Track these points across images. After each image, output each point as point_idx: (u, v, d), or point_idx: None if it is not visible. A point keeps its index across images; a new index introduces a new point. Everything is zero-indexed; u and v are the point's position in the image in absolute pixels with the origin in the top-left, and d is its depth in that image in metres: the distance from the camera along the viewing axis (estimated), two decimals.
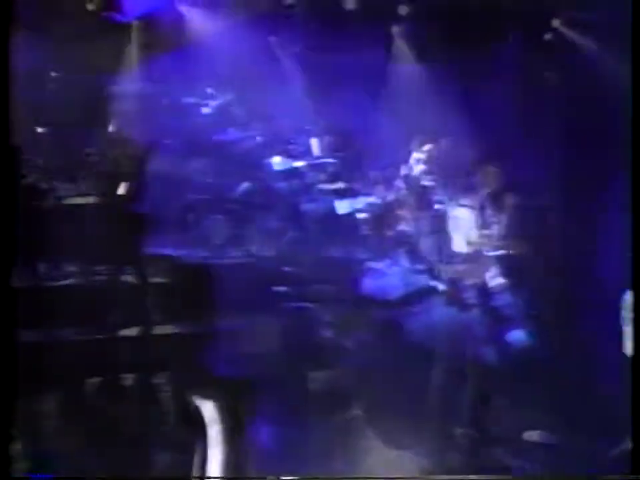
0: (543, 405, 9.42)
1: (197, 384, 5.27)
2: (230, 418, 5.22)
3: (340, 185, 12.26)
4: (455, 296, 11.11)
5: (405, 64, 11.25)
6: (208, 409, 5.14)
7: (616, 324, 8.84)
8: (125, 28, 9.18)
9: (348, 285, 11.47)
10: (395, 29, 11.59)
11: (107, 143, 11.75)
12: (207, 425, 5.11)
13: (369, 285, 11.58)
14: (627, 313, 8.93)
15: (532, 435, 9.16)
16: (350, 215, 12.00)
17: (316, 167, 12.51)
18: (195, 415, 5.12)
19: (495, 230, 10.51)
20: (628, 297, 8.87)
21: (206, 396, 5.18)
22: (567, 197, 10.50)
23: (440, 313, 11.03)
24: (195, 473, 5.03)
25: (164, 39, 9.20)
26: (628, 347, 8.87)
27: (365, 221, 11.91)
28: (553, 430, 9.14)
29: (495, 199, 10.69)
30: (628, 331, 8.91)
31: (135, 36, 9.95)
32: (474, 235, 10.63)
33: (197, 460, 5.03)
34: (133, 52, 10.33)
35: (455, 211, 10.91)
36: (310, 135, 12.68)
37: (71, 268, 10.24)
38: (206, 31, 9.95)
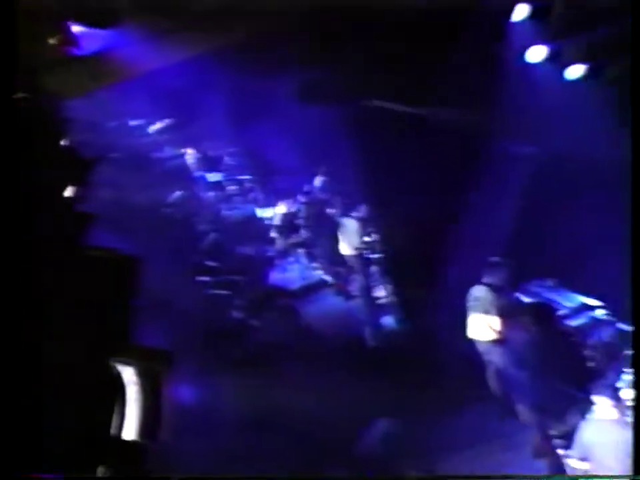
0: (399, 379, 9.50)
1: (120, 353, 5.35)
2: (148, 381, 4.88)
3: (254, 197, 12.84)
4: (341, 288, 11.96)
5: (313, 105, 11.36)
6: (128, 373, 4.82)
7: (463, 313, 9.53)
8: (82, 60, 9.50)
9: (257, 277, 12.00)
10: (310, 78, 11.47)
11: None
12: (126, 387, 4.82)
13: (274, 277, 12.17)
14: (471, 304, 9.62)
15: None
16: (261, 221, 12.54)
17: (235, 182, 13.07)
18: (116, 379, 4.80)
19: (374, 237, 11.27)
20: (474, 291, 9.54)
21: (128, 363, 4.83)
22: (428, 208, 10.43)
23: (329, 301, 11.88)
24: (114, 431, 4.68)
25: (115, 71, 9.03)
26: (471, 332, 9.60)
27: (273, 226, 12.39)
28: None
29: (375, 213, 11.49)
30: (472, 319, 9.59)
31: (90, 67, 10.37)
32: (357, 240, 11.25)
33: (115, 419, 4.71)
34: (88, 81, 10.74)
35: (344, 221, 11.46)
36: (231, 155, 13.15)
37: None
38: (150, 66, 9.76)
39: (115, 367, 4.81)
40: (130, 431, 4.72)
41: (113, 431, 4.69)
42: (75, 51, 7.56)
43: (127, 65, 9.16)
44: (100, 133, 11.90)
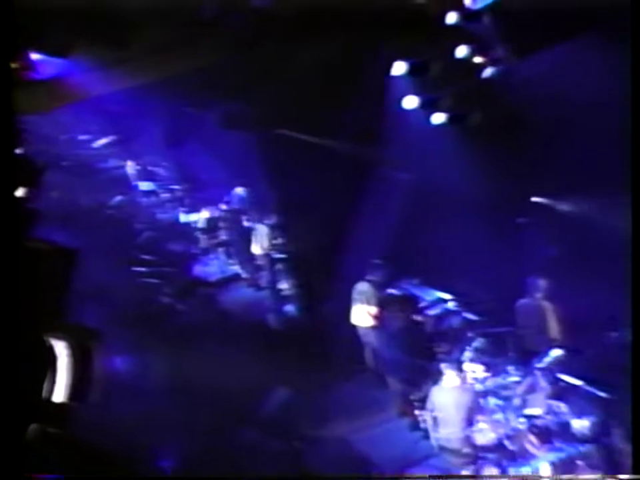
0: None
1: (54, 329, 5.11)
2: (77, 353, 4.92)
3: (183, 204, 12.97)
4: (253, 281, 12.21)
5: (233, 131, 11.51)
6: (60, 347, 4.85)
7: (349, 304, 9.91)
8: (39, 83, 9.14)
9: (183, 269, 12.19)
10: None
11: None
12: (57, 358, 4.86)
13: (197, 270, 12.42)
14: (355, 296, 9.96)
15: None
16: (188, 224, 12.73)
17: (167, 190, 13.22)
18: (49, 351, 4.87)
19: (280, 240, 11.51)
20: (358, 286, 9.94)
21: (60, 337, 4.88)
22: (326, 218, 10.87)
23: (242, 291, 12.18)
24: (45, 394, 4.68)
25: (67, 94, 8.93)
26: (354, 319, 9.92)
27: (197, 228, 12.64)
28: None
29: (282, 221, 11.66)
30: (355, 309, 9.93)
31: (46, 90, 10.10)
32: (267, 243, 11.56)
33: (47, 385, 4.74)
34: (44, 101, 10.55)
35: (256, 227, 11.74)
36: (165, 169, 13.38)
37: None
38: (98, 91, 9.65)
39: (48, 341, 4.84)
40: (60, 394, 4.73)
41: (44, 394, 4.69)
42: (34, 75, 7.50)
43: (78, 89, 9.12)
44: (53, 145, 11.88)
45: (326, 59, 9.41)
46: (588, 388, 7.87)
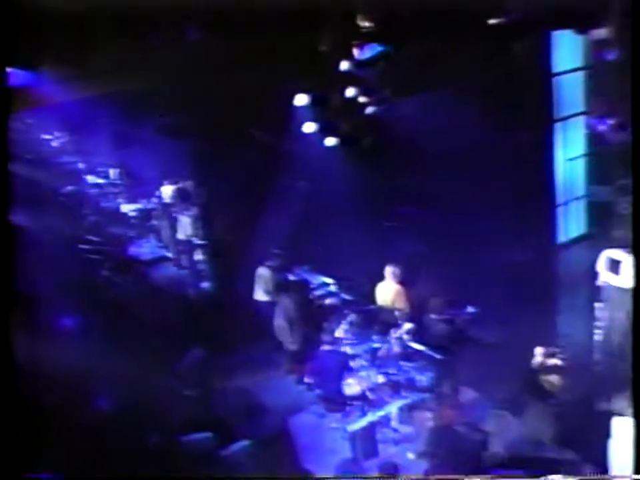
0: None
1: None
2: None
3: (123, 196, 12.95)
4: (177, 261, 12.29)
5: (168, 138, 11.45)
6: None
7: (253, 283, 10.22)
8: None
9: (121, 249, 12.19)
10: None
11: None
12: None
13: (133, 251, 12.49)
14: (257, 279, 10.08)
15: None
16: (126, 212, 12.83)
17: (111, 185, 13.16)
18: None
19: (201, 229, 11.57)
20: (259, 270, 10.06)
21: None
22: (239, 213, 11.06)
23: (169, 270, 12.24)
24: None
25: (33, 99, 8.83)
26: (257, 295, 10.10)
27: (134, 217, 12.74)
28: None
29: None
30: (257, 288, 10.13)
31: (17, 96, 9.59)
32: (189, 230, 11.65)
33: None
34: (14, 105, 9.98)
35: (181, 217, 11.82)
36: (109, 166, 13.23)
37: None
38: (59, 99, 9.58)
39: None
40: None
41: None
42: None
43: (42, 96, 9.12)
44: (20, 141, 11.15)
45: (245, 89, 9.64)
46: (428, 352, 8.42)
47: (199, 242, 11.55)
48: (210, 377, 8.72)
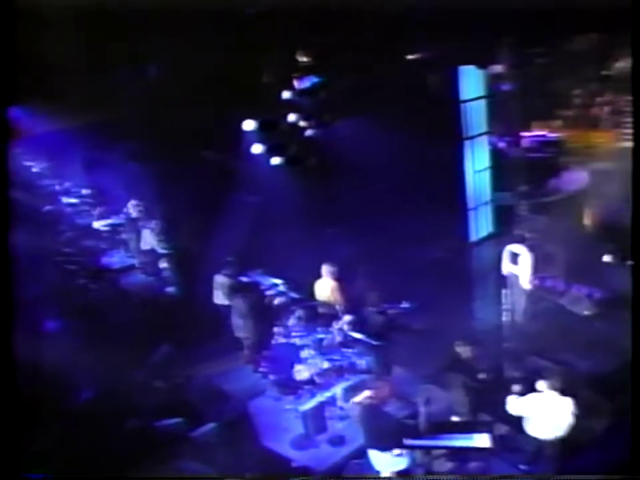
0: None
1: None
2: None
3: (95, 213, 12.37)
4: (144, 268, 11.79)
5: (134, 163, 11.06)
6: None
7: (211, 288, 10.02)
8: None
9: (94, 259, 11.82)
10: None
11: None
12: None
13: (104, 260, 12.02)
14: (215, 284, 9.91)
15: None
16: (98, 228, 12.24)
17: (85, 203, 12.57)
18: None
19: (163, 240, 11.19)
20: (216, 278, 9.91)
21: None
22: (197, 225, 10.72)
23: (137, 277, 11.75)
24: None
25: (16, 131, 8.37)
26: (216, 299, 9.92)
27: (105, 231, 12.22)
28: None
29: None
30: (216, 293, 9.92)
31: None
32: (153, 242, 11.27)
33: None
34: None
35: (145, 230, 11.43)
36: (83, 187, 12.66)
37: None
38: (39, 130, 9.56)
39: None
40: None
41: None
42: None
43: (24, 128, 9.05)
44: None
45: (200, 117, 9.52)
46: (366, 339, 8.42)
47: (163, 251, 11.22)
48: (178, 370, 8.64)
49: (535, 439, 6.87)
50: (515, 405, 6.91)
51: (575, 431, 6.62)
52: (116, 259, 12.22)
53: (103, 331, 9.02)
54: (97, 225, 12.34)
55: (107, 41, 8.11)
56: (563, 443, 6.71)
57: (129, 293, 11.19)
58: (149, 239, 11.45)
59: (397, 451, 6.67)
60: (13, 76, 5.45)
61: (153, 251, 11.41)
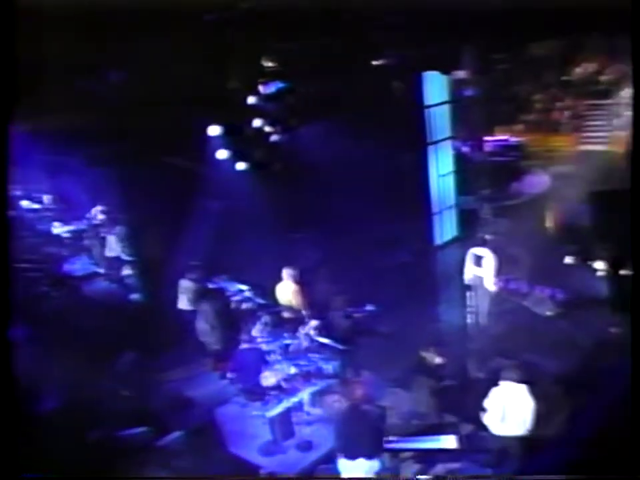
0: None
1: None
2: None
3: (58, 218, 12.19)
4: (108, 276, 11.65)
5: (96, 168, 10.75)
6: None
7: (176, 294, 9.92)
8: None
9: (56, 266, 11.61)
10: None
11: None
12: None
13: (67, 267, 11.79)
14: (180, 289, 9.84)
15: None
16: (60, 234, 12.11)
17: (47, 210, 12.37)
18: None
19: (127, 247, 11.12)
20: (181, 282, 9.84)
21: None
22: (161, 230, 10.37)
23: (100, 284, 11.56)
24: None
25: None
26: (180, 304, 9.85)
27: (67, 237, 12.07)
28: None
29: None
30: (181, 298, 9.85)
31: None
32: (117, 248, 11.22)
33: None
34: None
35: (109, 236, 11.33)
36: (46, 193, 12.46)
37: None
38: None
39: None
40: None
41: None
42: None
43: None
44: None
45: (165, 122, 9.32)
46: (332, 344, 8.49)
47: (127, 258, 11.15)
48: (143, 377, 8.46)
49: (500, 438, 6.91)
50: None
51: (537, 428, 6.69)
52: (78, 266, 12.01)
53: (66, 338, 8.81)
54: (59, 231, 12.18)
55: (69, 46, 7.85)
56: (526, 441, 6.78)
57: (92, 300, 10.97)
58: (114, 246, 11.33)
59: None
60: None
61: (117, 257, 11.29)
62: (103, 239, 11.60)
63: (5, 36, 5.19)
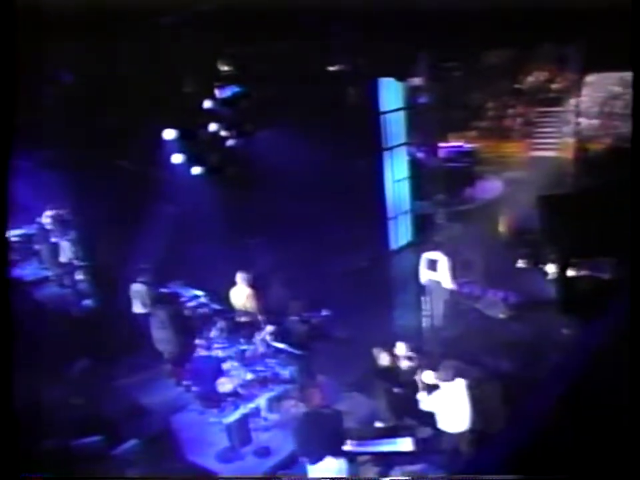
0: None
1: None
2: None
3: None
4: (59, 281, 11.43)
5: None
6: None
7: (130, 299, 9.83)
8: None
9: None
10: None
11: None
12: None
13: (17, 273, 11.15)
14: (132, 294, 9.70)
15: None
16: (9, 239, 10.90)
17: None
18: None
19: (79, 252, 10.98)
20: (133, 286, 9.68)
21: None
22: (116, 235, 10.12)
23: (52, 289, 11.34)
24: None
25: None
26: (135, 309, 9.70)
27: (17, 242, 11.47)
28: None
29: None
30: (135, 303, 9.74)
31: None
32: (69, 253, 11.04)
33: None
34: None
35: (61, 241, 11.18)
36: None
37: None
38: None
39: None
40: None
41: None
42: None
43: None
44: None
45: (120, 125, 9.19)
46: (289, 349, 8.56)
47: (79, 263, 10.95)
48: (97, 385, 8.29)
49: (450, 435, 7.05)
50: (425, 402, 7.14)
51: (484, 427, 6.83)
52: (28, 271, 11.73)
53: (16, 345, 8.47)
54: (10, 235, 11.33)
55: (21, 45, 7.79)
56: (474, 441, 6.90)
57: (44, 306, 10.69)
58: (64, 251, 11.15)
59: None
60: None
61: (69, 262, 11.10)
62: (54, 243, 11.40)
63: None
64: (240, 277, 9.29)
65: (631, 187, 4.99)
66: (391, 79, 12.37)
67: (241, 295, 9.27)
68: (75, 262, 11.01)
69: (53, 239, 11.54)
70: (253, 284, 9.29)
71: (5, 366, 4.43)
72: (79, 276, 11.00)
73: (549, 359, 8.51)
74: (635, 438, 3.39)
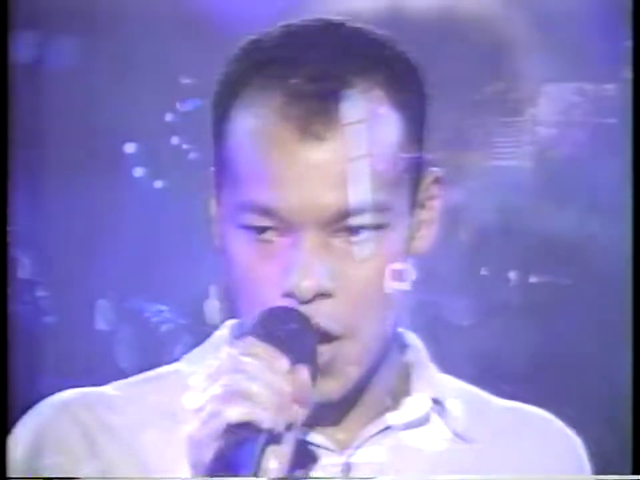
0: None
1: None
2: None
3: None
4: (19, 298, 12.00)
5: None
6: None
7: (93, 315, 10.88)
8: None
9: None
10: None
11: None
12: None
13: None
14: (98, 313, 11.00)
15: None
16: None
17: None
18: None
19: (39, 269, 11.41)
20: (99, 303, 10.89)
21: None
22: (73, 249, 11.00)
23: (10, 306, 11.68)
24: None
25: None
26: (98, 324, 10.85)
27: None
28: None
29: None
30: (98, 318, 11.12)
31: None
32: (30, 269, 11.01)
33: None
34: None
35: (21, 258, 11.25)
36: None
37: None
38: None
39: None
40: None
41: None
42: None
43: None
44: None
45: (78, 138, 9.02)
46: None
47: (39, 280, 10.93)
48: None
49: None
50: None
51: None
52: None
53: None
54: None
55: None
56: None
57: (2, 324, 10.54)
58: (26, 267, 11.06)
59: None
60: None
61: (29, 280, 11.03)
62: (14, 259, 11.26)
63: None
64: (214, 290, 9.25)
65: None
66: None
67: (214, 308, 9.23)
68: (34, 278, 10.85)
69: (12, 255, 11.37)
70: (223, 297, 9.27)
71: None
72: (39, 292, 10.88)
73: (512, 365, 8.84)
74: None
